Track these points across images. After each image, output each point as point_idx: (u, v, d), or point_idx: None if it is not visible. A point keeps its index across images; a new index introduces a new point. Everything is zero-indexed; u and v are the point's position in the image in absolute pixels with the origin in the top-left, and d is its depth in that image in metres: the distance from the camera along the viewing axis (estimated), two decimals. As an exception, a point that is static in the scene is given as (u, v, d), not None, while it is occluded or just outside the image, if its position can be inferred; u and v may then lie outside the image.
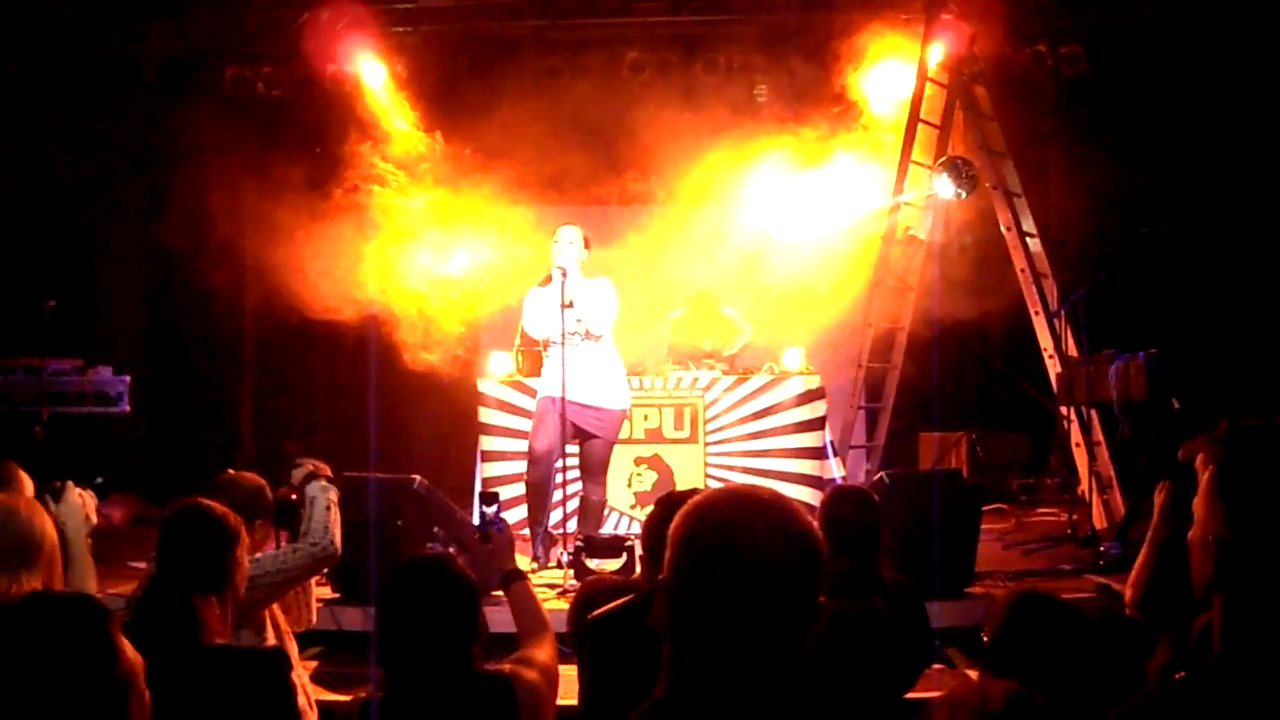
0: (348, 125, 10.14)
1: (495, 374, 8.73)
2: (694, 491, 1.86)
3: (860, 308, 9.62)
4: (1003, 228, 9.51)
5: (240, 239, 9.97)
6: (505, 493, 7.73)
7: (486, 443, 8.64)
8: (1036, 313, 9.22)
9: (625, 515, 8.48)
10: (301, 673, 3.75)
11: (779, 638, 1.65)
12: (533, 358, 8.35)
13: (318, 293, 8.87)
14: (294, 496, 3.94)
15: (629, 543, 6.40)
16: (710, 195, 9.22)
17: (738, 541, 1.66)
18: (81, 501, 3.63)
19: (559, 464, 6.99)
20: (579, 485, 7.35)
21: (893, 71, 9.97)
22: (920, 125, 9.57)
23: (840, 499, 3.82)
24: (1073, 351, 8.64)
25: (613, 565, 6.38)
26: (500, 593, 3.32)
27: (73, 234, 10.55)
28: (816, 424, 8.65)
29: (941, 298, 9.18)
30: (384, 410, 10.10)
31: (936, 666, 4.97)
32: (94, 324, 10.46)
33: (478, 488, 8.54)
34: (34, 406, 8.34)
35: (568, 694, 3.33)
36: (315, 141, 10.24)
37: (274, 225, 9.00)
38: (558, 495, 7.16)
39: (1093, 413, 8.29)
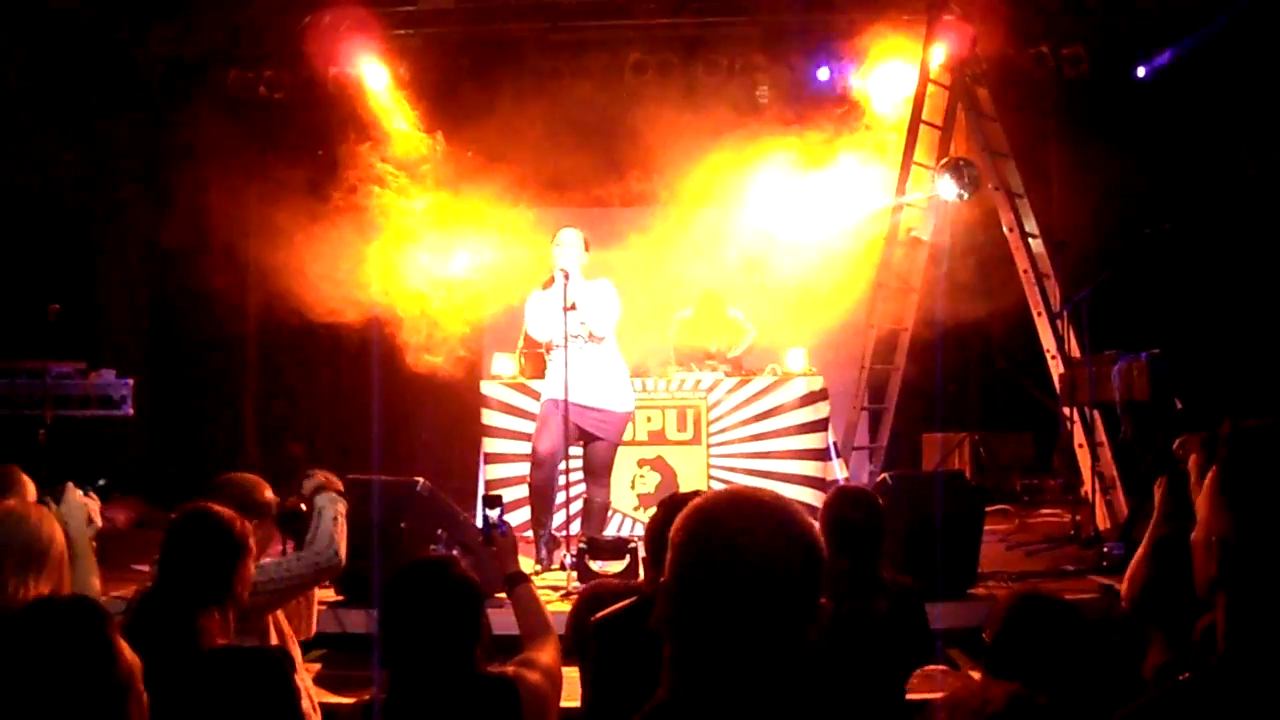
0: (350, 127, 10.15)
1: (498, 376, 8.73)
2: (697, 493, 1.86)
3: (863, 309, 9.62)
4: (1005, 229, 9.51)
5: (243, 241, 9.98)
6: (508, 495, 7.73)
7: (490, 445, 8.64)
8: (1039, 313, 9.22)
9: (628, 517, 8.48)
10: (305, 676, 3.76)
11: (780, 639, 1.65)
12: (536, 360, 8.36)
13: (320, 295, 8.87)
14: (302, 506, 3.95)
15: (632, 545, 6.40)
16: (712, 196, 9.22)
17: (738, 543, 1.66)
18: (83, 502, 3.64)
19: (562, 466, 7.00)
20: (582, 487, 7.35)
21: (895, 72, 9.98)
22: (922, 126, 9.57)
23: (843, 500, 3.82)
24: (1075, 352, 8.63)
25: (616, 567, 6.39)
26: (503, 595, 3.32)
27: (76, 237, 10.55)
28: (819, 425, 8.65)
29: (944, 299, 9.18)
30: (387, 412, 10.09)
31: (939, 668, 4.97)
32: (97, 327, 10.46)
33: (481, 490, 8.54)
34: (37, 409, 8.34)
35: (570, 696, 3.33)
36: (318, 144, 10.25)
37: (276, 228, 9.00)
38: (561, 497, 7.16)
39: (1095, 413, 8.29)
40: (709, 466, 8.63)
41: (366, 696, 2.76)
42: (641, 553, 5.38)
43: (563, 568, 6.67)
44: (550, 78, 10.79)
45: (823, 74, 10.65)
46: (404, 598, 2.69)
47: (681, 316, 9.55)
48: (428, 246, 9.15)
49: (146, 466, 10.44)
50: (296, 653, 3.79)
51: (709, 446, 8.65)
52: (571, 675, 3.36)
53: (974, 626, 5.55)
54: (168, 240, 10.38)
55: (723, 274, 9.50)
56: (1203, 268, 9.22)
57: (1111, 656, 2.69)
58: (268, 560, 3.72)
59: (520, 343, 8.59)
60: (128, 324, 11.02)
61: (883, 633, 3.50)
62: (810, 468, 8.53)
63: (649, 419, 8.58)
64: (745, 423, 8.62)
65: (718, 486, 6.72)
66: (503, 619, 3.39)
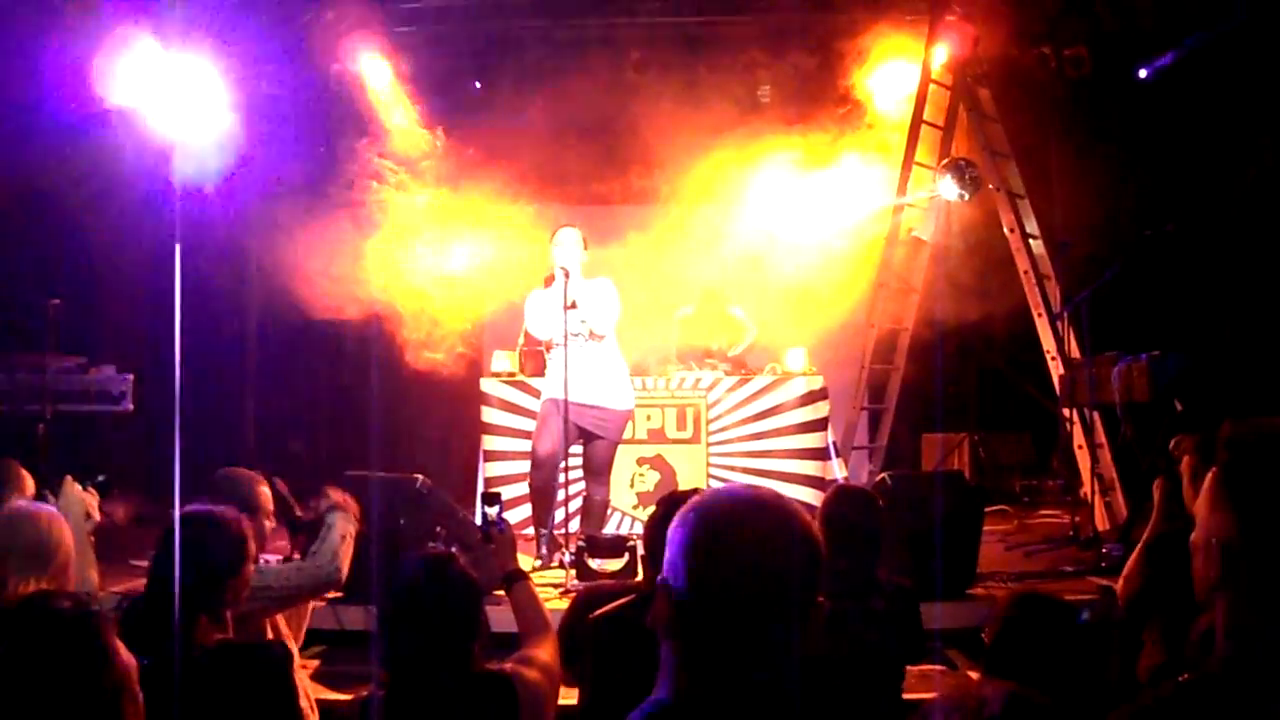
0: (351, 124, 10.15)
1: (498, 373, 8.73)
2: (696, 492, 1.86)
3: (863, 309, 9.62)
4: (1006, 229, 9.51)
5: (244, 238, 9.98)
6: (507, 493, 7.74)
7: (489, 442, 8.64)
8: (1039, 314, 9.22)
9: (628, 516, 8.48)
10: (302, 674, 3.76)
11: (777, 637, 1.65)
12: (535, 358, 8.36)
13: (321, 291, 8.87)
14: (313, 519, 3.97)
15: (631, 543, 6.40)
16: (713, 195, 9.22)
17: (736, 541, 1.66)
18: (81, 497, 3.64)
19: (562, 464, 7.00)
20: (582, 485, 7.35)
21: (897, 72, 9.98)
22: (924, 126, 9.57)
23: (842, 499, 3.81)
24: (1075, 353, 8.64)
25: (615, 565, 6.39)
26: (502, 592, 3.32)
27: (76, 232, 10.54)
28: (819, 425, 8.65)
29: (944, 299, 9.18)
30: (387, 409, 10.10)
31: (938, 668, 4.97)
32: (97, 323, 10.45)
33: (480, 487, 8.55)
34: (37, 405, 8.34)
35: (568, 694, 3.33)
36: (319, 140, 10.25)
37: (277, 224, 9.00)
38: (560, 495, 7.16)
39: (1095, 414, 8.29)
40: (708, 465, 8.63)
41: (365, 693, 2.76)
42: (640, 551, 5.39)
43: (562, 566, 6.67)
44: (552, 75, 10.78)
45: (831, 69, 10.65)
46: (403, 595, 2.69)
47: (683, 314, 9.55)
48: (428, 243, 9.15)
49: (146, 462, 10.44)
50: (294, 650, 3.79)
51: (708, 445, 8.66)
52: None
53: (973, 627, 5.55)
54: (168, 236, 10.36)
55: (723, 273, 9.50)
56: (1204, 269, 9.21)
57: (1110, 657, 2.70)
58: (269, 567, 3.72)
59: (520, 341, 8.59)
60: (127, 320, 11.01)
61: (878, 632, 3.50)
62: (809, 467, 8.53)
63: (649, 417, 8.59)
64: (745, 422, 8.62)
65: (717, 485, 6.72)
66: (501, 617, 3.39)
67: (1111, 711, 1.81)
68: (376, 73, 10.45)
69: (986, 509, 7.52)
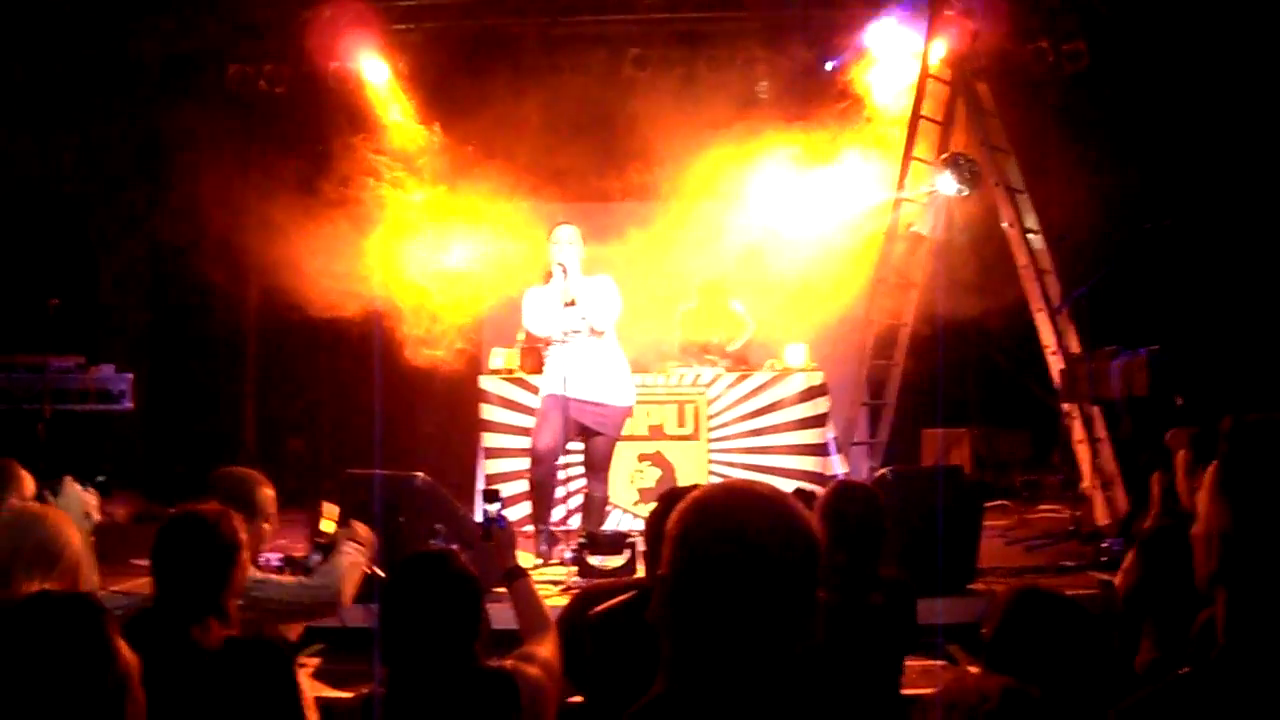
0: (350, 122, 10.15)
1: (497, 371, 8.73)
2: (696, 488, 1.86)
3: (863, 304, 9.61)
4: (1005, 224, 9.50)
5: (242, 236, 9.97)
6: (507, 490, 7.75)
7: (489, 439, 8.64)
8: (1039, 309, 9.21)
9: (628, 512, 8.48)
10: (301, 673, 3.77)
11: (776, 633, 1.65)
12: (534, 355, 8.35)
13: (320, 289, 8.88)
14: (330, 542, 4.00)
15: (631, 540, 6.40)
16: (712, 191, 9.22)
17: (735, 537, 1.66)
18: (82, 496, 3.64)
19: (561, 461, 7.00)
20: (582, 482, 7.35)
21: (895, 67, 9.97)
22: (922, 121, 9.56)
23: (843, 494, 3.81)
24: (1075, 348, 8.64)
25: (615, 562, 6.38)
26: (503, 589, 3.32)
27: (76, 231, 10.55)
28: (819, 420, 8.65)
29: (944, 294, 9.17)
30: (386, 407, 10.08)
31: (939, 663, 4.98)
32: (96, 321, 10.46)
33: (480, 485, 8.55)
34: (36, 404, 8.35)
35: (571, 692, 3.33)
36: (317, 138, 10.25)
37: (276, 222, 9.00)
38: (560, 492, 7.16)
39: (1095, 409, 8.28)
40: (708, 461, 8.63)
41: (366, 691, 2.76)
42: (640, 547, 5.39)
43: (562, 562, 6.67)
44: (550, 72, 10.79)
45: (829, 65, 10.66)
46: (403, 592, 2.69)
47: (686, 308, 9.55)
48: (427, 241, 9.15)
49: (146, 461, 10.45)
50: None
51: (708, 441, 8.66)
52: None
53: (973, 622, 5.55)
54: (167, 235, 10.37)
55: (723, 269, 9.50)
56: (1203, 263, 9.21)
57: (1111, 651, 2.70)
58: (273, 579, 3.73)
59: (520, 338, 8.59)
60: (127, 318, 11.02)
61: (876, 626, 3.50)
62: (810, 463, 8.53)
63: (648, 414, 8.58)
64: (745, 418, 8.62)
65: (717, 481, 6.72)
66: (502, 614, 3.39)
67: (1111, 706, 1.81)
68: (374, 70, 10.45)
69: (986, 504, 7.52)
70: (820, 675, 1.72)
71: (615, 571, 6.20)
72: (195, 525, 3.00)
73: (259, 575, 3.70)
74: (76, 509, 3.60)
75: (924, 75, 9.59)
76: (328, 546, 4.00)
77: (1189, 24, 9.59)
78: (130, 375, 9.01)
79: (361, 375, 10.10)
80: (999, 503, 9.35)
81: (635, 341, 8.06)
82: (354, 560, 3.90)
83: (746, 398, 8.63)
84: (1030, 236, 9.36)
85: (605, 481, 7.30)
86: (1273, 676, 1.70)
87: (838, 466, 8.89)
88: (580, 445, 7.29)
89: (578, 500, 7.39)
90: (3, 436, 7.92)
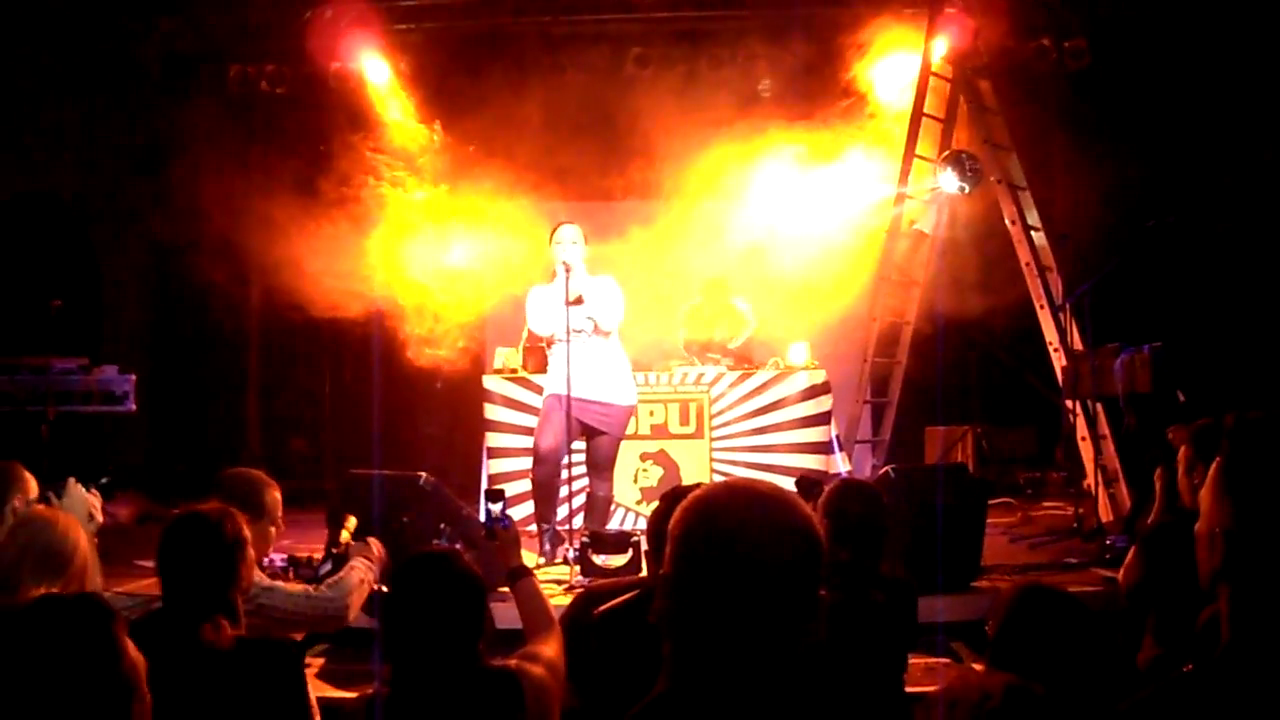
0: (351, 122, 10.16)
1: (500, 370, 8.73)
2: (699, 487, 1.86)
3: (865, 302, 9.62)
4: (1007, 221, 9.50)
5: (245, 237, 9.98)
6: (511, 489, 7.74)
7: (492, 439, 8.64)
8: (1041, 306, 9.21)
9: (631, 511, 8.49)
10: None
11: (778, 631, 1.65)
12: (538, 355, 8.35)
13: (322, 290, 8.89)
14: (343, 554, 4.00)
15: (635, 539, 6.40)
16: (714, 189, 9.22)
17: (736, 535, 1.66)
18: (85, 498, 3.64)
19: (565, 460, 7.00)
20: (585, 481, 7.35)
21: (897, 65, 9.97)
22: (924, 119, 9.56)
23: (846, 492, 3.80)
24: (1078, 345, 8.62)
25: (619, 561, 6.38)
26: (506, 589, 3.32)
27: (78, 232, 10.56)
28: (822, 419, 8.65)
29: (946, 292, 9.18)
30: (390, 407, 10.11)
31: (943, 660, 4.97)
32: (99, 323, 10.47)
33: (483, 484, 8.55)
34: (39, 406, 8.35)
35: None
36: (318, 139, 10.26)
37: (278, 223, 9.01)
38: (564, 491, 7.16)
39: (1098, 406, 8.28)
40: (712, 460, 8.63)
41: (369, 691, 2.76)
42: (644, 546, 5.39)
43: (565, 562, 6.67)
44: (552, 71, 10.80)
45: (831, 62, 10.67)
46: (407, 592, 2.69)
47: (690, 305, 9.56)
48: (429, 240, 9.15)
49: (149, 462, 10.46)
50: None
51: (712, 440, 8.65)
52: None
53: (977, 620, 5.54)
54: (170, 236, 10.39)
55: (725, 267, 9.50)
56: (1205, 260, 9.20)
57: (1114, 648, 2.69)
58: (280, 588, 3.73)
59: (523, 337, 8.59)
60: (130, 320, 11.04)
61: (878, 624, 3.49)
62: (813, 461, 8.52)
63: (651, 413, 8.58)
64: (748, 416, 8.62)
65: (720, 480, 6.72)
66: (506, 613, 3.39)
67: (1115, 704, 1.81)
68: (376, 70, 10.46)
69: (990, 501, 7.51)
70: (822, 673, 1.72)
71: (619, 571, 6.20)
72: (199, 524, 3.00)
73: (267, 582, 3.70)
74: (80, 510, 3.59)
75: (926, 72, 9.59)
76: (341, 558, 4.01)
77: (1191, 21, 9.58)
78: (133, 376, 9.01)
79: (364, 375, 10.13)
80: (1002, 500, 9.35)
81: (637, 340, 8.06)
82: (364, 577, 3.91)
83: (749, 396, 8.63)
84: (1033, 234, 9.36)
85: (609, 480, 7.29)
86: (1277, 674, 1.70)
87: (840, 464, 8.88)
88: (583, 444, 7.28)
89: (581, 500, 7.38)
90: (6, 438, 7.94)
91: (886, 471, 6.50)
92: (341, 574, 3.90)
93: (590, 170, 10.39)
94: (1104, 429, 8.38)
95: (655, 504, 3.53)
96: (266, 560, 4.46)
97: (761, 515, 1.68)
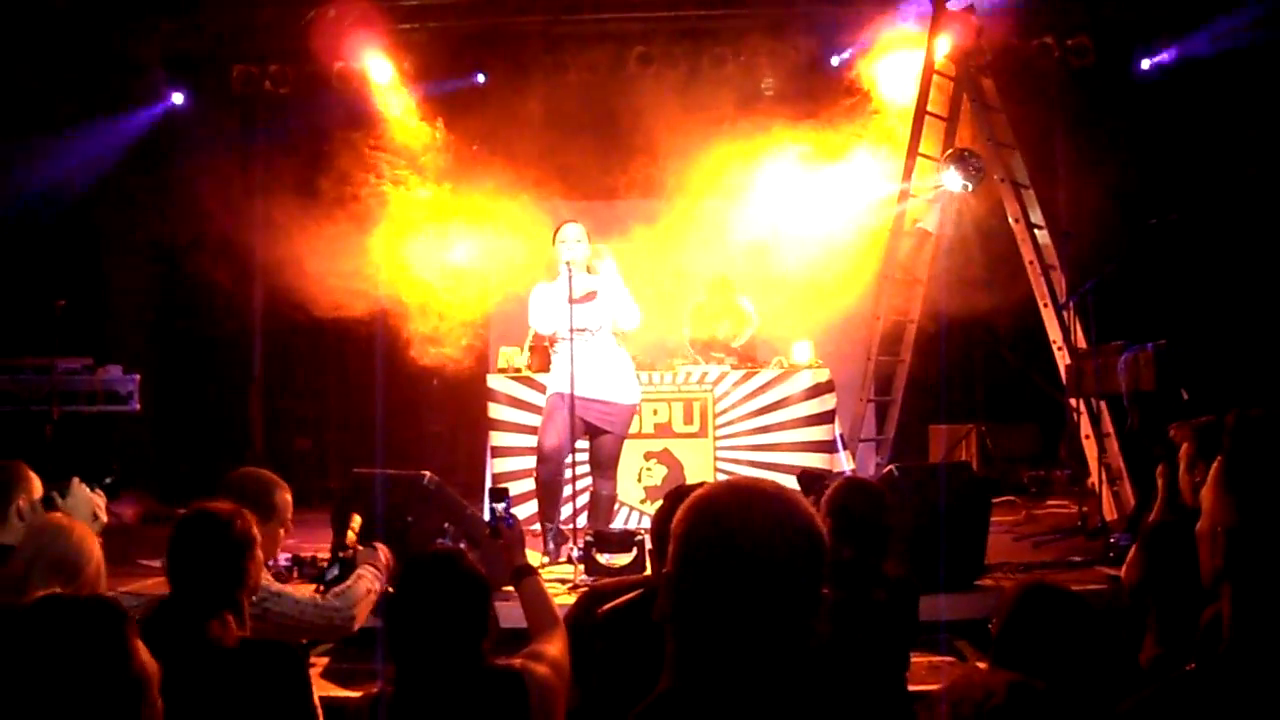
0: (355, 122, 10.17)
1: (504, 369, 8.73)
2: (702, 485, 1.87)
3: (869, 301, 9.62)
4: (1010, 220, 9.49)
5: (248, 236, 10.01)
6: (515, 488, 7.74)
7: (496, 438, 8.64)
8: (1045, 305, 9.20)
9: (635, 510, 8.49)
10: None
11: (781, 629, 1.66)
12: (542, 354, 8.35)
13: (325, 288, 8.89)
14: (352, 558, 4.01)
15: (639, 537, 6.40)
16: (717, 188, 9.22)
17: (739, 534, 1.67)
18: (89, 497, 3.65)
19: (569, 459, 7.00)
20: (589, 480, 7.35)
21: (901, 63, 9.97)
22: (927, 117, 9.55)
23: (849, 491, 3.81)
24: (1081, 343, 8.62)
25: (623, 560, 6.38)
26: (511, 588, 3.32)
27: (81, 233, 10.58)
28: (826, 417, 8.65)
29: (950, 290, 9.18)
30: (394, 406, 10.11)
31: (947, 659, 4.98)
32: (103, 323, 10.48)
33: (488, 483, 8.55)
34: (44, 405, 8.38)
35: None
36: (322, 138, 10.27)
37: (281, 222, 9.02)
38: (568, 490, 7.16)
39: (1102, 404, 8.27)
40: (715, 459, 8.63)
41: (374, 690, 2.76)
42: (648, 545, 5.40)
43: (570, 561, 6.67)
44: (555, 70, 10.80)
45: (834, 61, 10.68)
46: (411, 591, 2.69)
47: (695, 303, 9.56)
48: (432, 239, 9.16)
49: (154, 462, 10.48)
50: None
51: (715, 439, 8.65)
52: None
53: (981, 618, 5.54)
54: (174, 236, 10.40)
55: (728, 266, 9.51)
56: (1209, 258, 9.20)
57: (1118, 647, 2.69)
58: (288, 594, 3.74)
59: (529, 337, 8.59)
60: (134, 320, 11.05)
61: (880, 623, 3.50)
62: (817, 460, 8.52)
63: (655, 412, 8.59)
64: (751, 415, 8.62)
65: (724, 479, 6.71)
66: (510, 612, 3.39)
67: (1118, 702, 1.81)
68: (379, 69, 10.47)
69: (994, 500, 7.51)
70: (825, 672, 1.73)
71: (623, 569, 6.20)
72: (209, 522, 3.01)
73: (275, 587, 3.71)
74: (84, 511, 3.59)
75: (929, 71, 9.58)
76: (347, 562, 4.01)
77: (1193, 19, 9.58)
78: (137, 376, 9.03)
79: (368, 374, 10.13)
80: (1006, 498, 9.35)
81: (640, 339, 8.06)
82: (371, 586, 3.91)
83: (753, 395, 8.63)
84: (1036, 232, 9.35)
85: (613, 479, 7.29)
86: (1278, 672, 1.70)
87: (844, 463, 8.89)
88: (587, 443, 7.28)
89: (585, 499, 7.38)
90: (11, 438, 7.95)
91: (890, 470, 6.50)
92: (349, 583, 3.90)
93: (593, 168, 10.40)
94: (1108, 427, 8.37)
95: (659, 503, 3.53)
96: (271, 561, 4.46)
97: (764, 514, 1.68)
